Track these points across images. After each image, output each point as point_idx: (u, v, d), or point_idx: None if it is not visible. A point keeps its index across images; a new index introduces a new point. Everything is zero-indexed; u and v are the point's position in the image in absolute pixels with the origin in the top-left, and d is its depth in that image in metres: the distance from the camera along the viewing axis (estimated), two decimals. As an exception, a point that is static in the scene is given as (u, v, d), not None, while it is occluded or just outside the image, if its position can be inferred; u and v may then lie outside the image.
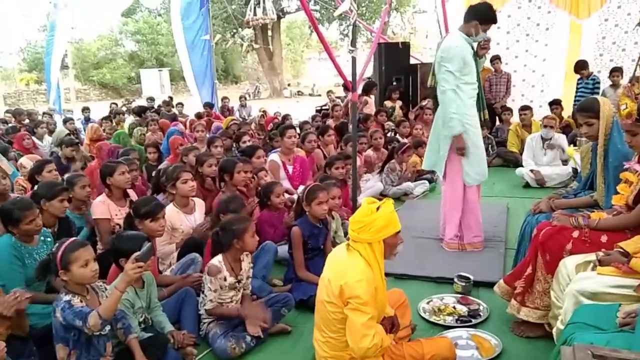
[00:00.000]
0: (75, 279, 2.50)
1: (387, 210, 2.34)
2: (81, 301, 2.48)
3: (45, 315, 2.79)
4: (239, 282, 3.11)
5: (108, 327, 2.57)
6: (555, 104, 8.35)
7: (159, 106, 12.00)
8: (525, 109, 7.94)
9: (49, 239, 3.24)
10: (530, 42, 10.14)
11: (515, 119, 8.41)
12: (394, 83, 9.92)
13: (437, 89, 4.30)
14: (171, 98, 13.01)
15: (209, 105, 10.82)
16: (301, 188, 3.94)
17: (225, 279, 3.04)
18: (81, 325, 2.39)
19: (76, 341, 2.49)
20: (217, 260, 3.07)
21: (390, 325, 2.56)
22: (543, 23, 9.96)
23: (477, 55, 4.32)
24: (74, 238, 2.68)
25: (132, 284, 2.86)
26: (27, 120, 10.02)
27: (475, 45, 4.30)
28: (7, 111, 12.35)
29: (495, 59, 9.16)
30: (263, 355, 3.03)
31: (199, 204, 4.16)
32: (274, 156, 5.72)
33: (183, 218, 3.96)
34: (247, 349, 2.98)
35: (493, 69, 9.22)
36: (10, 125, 9.07)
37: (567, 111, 8.70)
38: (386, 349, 2.40)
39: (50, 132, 8.60)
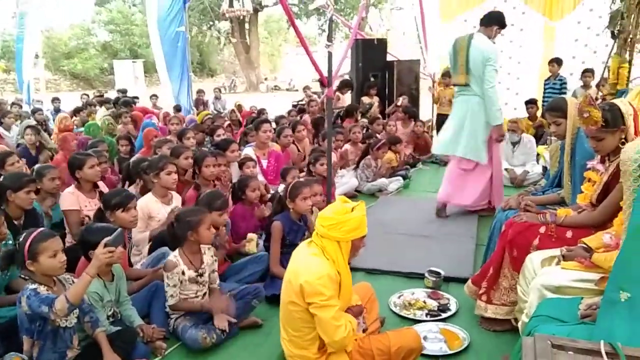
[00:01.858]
0: (43, 270, 2.47)
1: (360, 213, 2.38)
2: (48, 290, 2.45)
3: (12, 307, 2.74)
4: (200, 275, 3.07)
5: (75, 320, 2.56)
6: (531, 103, 8.49)
7: (133, 97, 11.81)
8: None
9: (9, 242, 3.13)
10: (505, 43, 10.27)
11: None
12: (371, 79, 9.96)
13: (475, 84, 4.88)
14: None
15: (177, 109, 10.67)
16: (282, 187, 3.96)
17: (183, 273, 3.00)
18: (47, 312, 2.36)
19: (40, 332, 2.46)
20: (174, 254, 3.06)
21: (359, 311, 2.59)
22: (517, 24, 10.10)
23: None
24: (42, 228, 2.63)
25: (101, 277, 2.84)
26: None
27: None
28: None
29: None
30: (235, 348, 3.03)
31: (176, 197, 4.19)
32: (249, 150, 5.70)
33: (160, 207, 3.98)
34: (218, 340, 2.97)
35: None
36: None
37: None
38: (354, 340, 2.42)
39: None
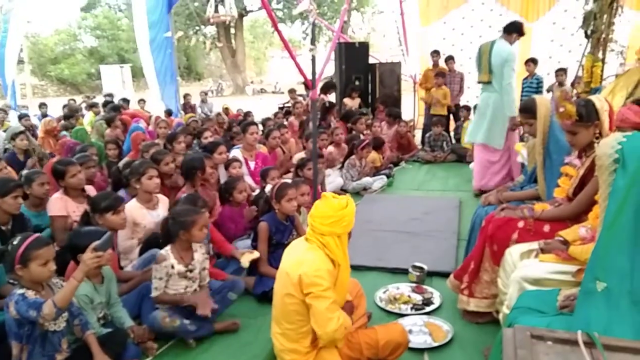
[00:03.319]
0: (31, 277, 2.47)
1: (352, 206, 2.48)
2: (36, 295, 2.45)
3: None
4: (189, 271, 3.12)
5: (64, 324, 2.55)
6: None
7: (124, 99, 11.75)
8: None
9: None
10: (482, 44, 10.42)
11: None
12: (356, 82, 10.03)
13: (495, 82, 5.72)
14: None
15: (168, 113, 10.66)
16: (269, 187, 3.98)
17: (172, 267, 3.05)
18: (35, 316, 2.36)
19: (29, 336, 2.46)
20: (165, 249, 3.11)
21: (351, 308, 2.65)
22: (495, 25, 10.25)
23: None
24: (38, 234, 2.62)
25: (91, 279, 2.86)
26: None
27: None
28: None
29: (449, 59, 9.44)
30: (223, 347, 3.07)
31: (163, 201, 4.14)
32: (236, 152, 5.74)
33: (145, 213, 3.94)
34: (182, 328, 2.99)
35: (447, 69, 9.47)
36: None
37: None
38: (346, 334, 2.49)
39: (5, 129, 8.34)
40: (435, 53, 9.70)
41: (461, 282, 3.22)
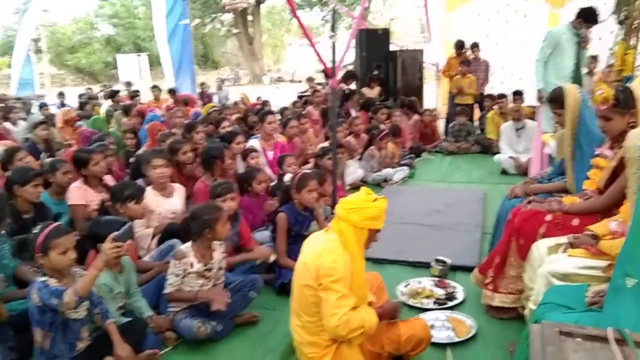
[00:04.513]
0: (51, 265, 2.49)
1: (381, 205, 2.42)
2: (57, 283, 2.47)
3: (24, 300, 2.76)
4: (208, 270, 3.07)
5: (85, 312, 2.58)
6: (517, 94, 8.42)
7: (135, 91, 11.81)
8: (501, 97, 8.05)
9: (2, 232, 3.15)
10: (509, 29, 10.21)
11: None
12: (375, 71, 9.90)
13: None
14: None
15: (172, 91, 10.66)
16: (288, 176, 3.95)
17: (192, 265, 3.01)
18: (57, 304, 2.38)
19: (51, 324, 2.49)
20: (185, 245, 3.07)
21: (393, 311, 2.61)
22: (521, 10, 10.02)
23: (581, 46, 5.58)
24: (58, 223, 2.65)
25: (111, 269, 2.86)
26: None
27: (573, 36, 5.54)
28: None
29: (474, 47, 9.24)
30: (242, 338, 3.06)
31: (179, 189, 4.14)
32: (254, 142, 5.70)
33: (161, 201, 3.95)
34: (212, 331, 2.96)
35: (472, 57, 9.28)
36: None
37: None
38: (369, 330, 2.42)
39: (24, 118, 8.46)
40: (460, 46, 9.47)
41: (485, 276, 3.15)
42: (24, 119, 8.52)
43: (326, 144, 6.20)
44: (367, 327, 2.37)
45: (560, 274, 2.45)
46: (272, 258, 3.64)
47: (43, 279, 2.46)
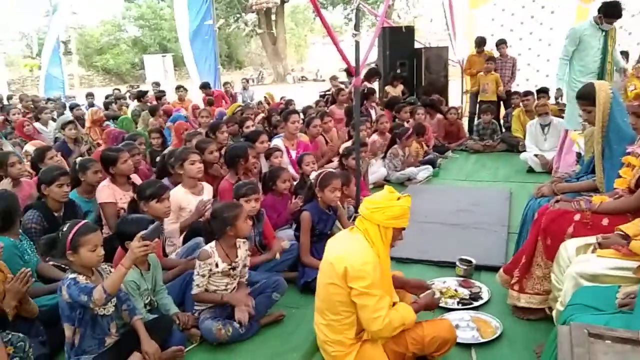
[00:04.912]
0: (81, 262, 2.55)
1: (405, 204, 2.41)
2: (86, 280, 2.53)
3: (54, 295, 2.84)
4: (233, 269, 3.08)
5: (113, 309, 2.64)
6: (542, 92, 8.25)
7: (160, 91, 11.98)
8: (527, 94, 7.90)
9: (22, 232, 3.25)
10: (534, 25, 10.02)
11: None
12: (398, 70, 9.84)
13: None
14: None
15: (205, 86, 10.79)
16: (314, 174, 3.96)
17: (217, 265, 3.01)
18: (86, 300, 2.44)
19: (81, 319, 2.55)
20: (210, 245, 3.07)
21: (430, 303, 2.62)
22: (548, 5, 9.81)
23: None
24: (85, 221, 2.71)
25: (138, 266, 2.92)
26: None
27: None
28: (9, 97, 12.43)
29: (501, 43, 9.07)
30: (266, 336, 3.08)
31: (207, 188, 4.22)
32: (277, 141, 5.73)
33: (191, 199, 4.02)
34: (235, 333, 2.96)
35: (498, 53, 9.14)
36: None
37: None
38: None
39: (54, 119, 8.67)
40: (480, 43, 9.33)
41: (511, 277, 3.11)
42: (54, 120, 8.73)
43: (349, 143, 6.20)
44: (407, 324, 2.40)
45: (589, 275, 2.41)
46: (286, 245, 3.64)
47: (72, 275, 2.52)
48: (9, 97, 12.19)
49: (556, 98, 5.61)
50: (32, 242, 3.23)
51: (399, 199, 2.40)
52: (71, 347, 2.58)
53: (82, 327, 2.57)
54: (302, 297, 3.50)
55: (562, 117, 7.17)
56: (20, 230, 3.23)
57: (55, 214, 3.60)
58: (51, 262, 3.23)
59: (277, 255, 3.64)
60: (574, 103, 5.42)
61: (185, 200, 3.99)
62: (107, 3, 36.32)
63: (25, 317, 2.70)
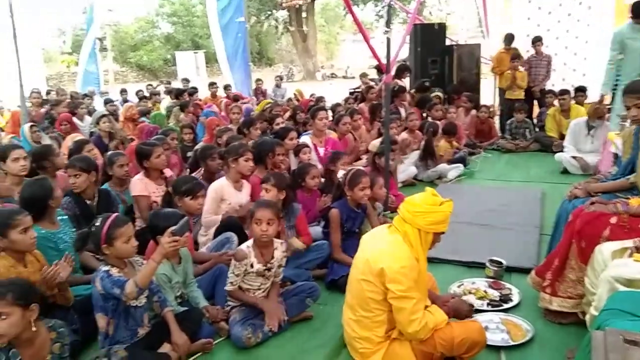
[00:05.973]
0: (117, 254, 2.61)
1: (447, 210, 2.41)
2: (119, 272, 2.59)
3: (89, 286, 2.91)
4: (268, 270, 3.07)
5: (145, 300, 2.70)
6: (580, 90, 8.02)
7: (193, 87, 12.14)
8: (564, 93, 7.71)
9: (65, 217, 3.33)
10: (572, 23, 9.74)
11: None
12: (429, 78, 9.68)
13: None
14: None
15: (228, 88, 10.95)
16: (341, 173, 3.97)
17: (252, 266, 3.02)
18: (119, 293, 2.50)
19: (114, 310, 2.61)
20: (246, 245, 3.08)
21: (461, 309, 2.62)
22: (585, 2, 9.53)
23: None
24: (117, 214, 2.78)
25: (169, 260, 2.97)
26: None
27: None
28: (48, 92, 12.80)
29: (537, 40, 8.87)
30: (293, 332, 3.09)
31: (246, 184, 4.31)
32: (306, 138, 5.75)
33: (233, 192, 4.13)
34: (264, 338, 2.97)
35: (533, 51, 8.94)
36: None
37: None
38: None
39: (90, 113, 8.89)
40: (509, 40, 9.14)
41: (543, 279, 3.05)
42: (90, 114, 8.96)
43: (378, 141, 6.16)
44: (439, 323, 2.41)
45: (625, 280, 2.35)
46: (299, 246, 3.63)
47: (106, 268, 2.58)
48: (48, 92, 12.57)
49: (599, 102, 5.67)
50: (72, 229, 3.29)
51: (441, 204, 2.39)
52: (105, 337, 2.65)
53: (115, 317, 2.63)
54: (329, 294, 3.50)
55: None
56: (62, 213, 3.32)
57: (88, 202, 3.72)
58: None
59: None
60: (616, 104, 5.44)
61: (228, 192, 4.10)
62: (141, 0, 37.00)
63: (60, 305, 2.78)
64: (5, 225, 2.58)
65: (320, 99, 9.73)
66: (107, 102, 9.79)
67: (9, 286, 2.18)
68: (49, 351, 2.20)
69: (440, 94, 8.65)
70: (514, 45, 9.08)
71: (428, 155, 6.42)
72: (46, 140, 6.22)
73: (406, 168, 6.26)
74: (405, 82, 9.56)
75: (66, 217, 3.33)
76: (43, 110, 9.09)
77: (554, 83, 9.18)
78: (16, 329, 2.13)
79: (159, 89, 13.09)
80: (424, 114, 7.75)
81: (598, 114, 6.62)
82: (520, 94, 8.69)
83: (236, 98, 10.12)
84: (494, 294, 3.35)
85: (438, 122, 7.20)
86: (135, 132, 6.95)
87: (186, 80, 13.08)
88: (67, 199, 3.60)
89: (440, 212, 2.37)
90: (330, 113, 6.79)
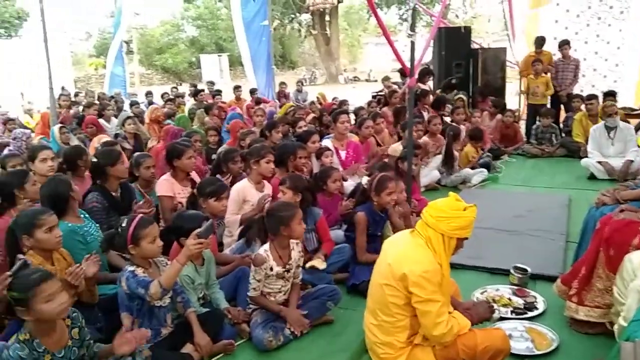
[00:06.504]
0: (143, 254, 2.65)
1: (471, 215, 2.39)
2: (144, 272, 2.63)
3: (115, 286, 2.94)
4: (287, 271, 3.08)
5: (168, 300, 2.73)
6: (609, 95, 7.83)
7: (217, 90, 12.27)
8: (591, 98, 7.55)
9: (86, 215, 3.37)
10: (602, 27, 9.52)
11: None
12: (453, 80, 9.60)
13: None
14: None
15: (254, 92, 11.06)
16: (365, 179, 3.96)
17: (271, 269, 3.02)
18: (143, 293, 2.53)
19: (139, 310, 2.65)
20: (264, 249, 3.07)
21: (484, 314, 2.60)
22: (617, 5, 9.31)
23: None
24: (141, 215, 2.81)
25: (193, 261, 3.00)
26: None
27: None
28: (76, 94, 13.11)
29: (564, 44, 8.71)
30: (314, 336, 3.09)
31: (267, 185, 4.35)
32: (327, 142, 5.74)
33: (254, 193, 4.16)
34: (285, 341, 2.97)
35: (560, 55, 8.79)
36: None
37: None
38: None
39: (117, 115, 9.06)
40: (540, 43, 8.99)
41: (570, 288, 2.99)
42: (116, 116, 9.13)
43: (398, 144, 6.13)
44: (462, 328, 2.39)
45: (656, 290, 2.29)
46: (320, 266, 3.55)
47: (131, 268, 2.62)
48: (76, 94, 12.87)
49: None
50: (96, 225, 3.35)
51: (465, 209, 2.37)
52: (129, 336, 2.68)
53: (140, 317, 2.67)
54: (350, 298, 3.49)
55: (628, 122, 6.85)
56: (84, 212, 3.37)
57: (114, 194, 3.80)
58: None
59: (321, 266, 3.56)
60: None
61: (250, 193, 4.13)
62: (167, 4, 37.52)
63: (84, 303, 2.82)
64: (31, 225, 2.64)
65: (343, 102, 9.73)
66: (133, 104, 9.95)
67: None
68: (69, 337, 2.26)
69: (464, 96, 8.57)
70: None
71: (448, 159, 6.34)
72: (74, 141, 6.35)
73: (429, 172, 6.21)
74: (429, 85, 9.51)
75: (87, 214, 3.38)
76: (72, 111, 9.29)
77: (583, 89, 8.98)
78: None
79: (183, 92, 13.27)
80: (443, 116, 7.67)
81: (607, 112, 6.49)
82: (544, 100, 8.54)
83: (258, 101, 10.20)
84: (518, 302, 3.30)
85: (459, 125, 7.13)
86: (161, 134, 7.05)
87: (211, 83, 13.23)
88: (95, 193, 3.69)
89: (464, 217, 2.35)
90: (353, 116, 6.78)
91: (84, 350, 2.34)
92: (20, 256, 2.56)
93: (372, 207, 3.68)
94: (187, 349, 2.75)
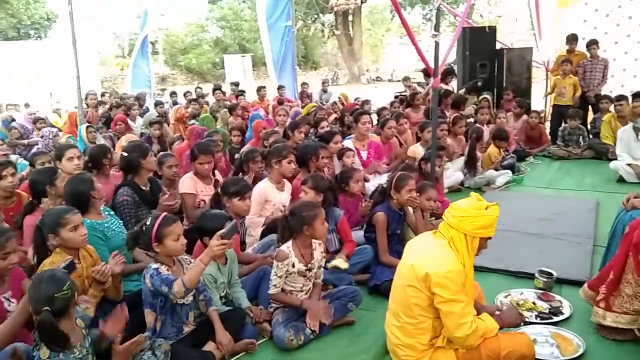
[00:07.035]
0: (167, 252, 2.69)
1: (494, 214, 2.36)
2: (168, 270, 2.66)
3: (138, 283, 3.01)
4: (309, 270, 3.08)
5: (191, 298, 2.76)
6: (638, 96, 7.60)
7: (240, 91, 12.33)
8: (621, 99, 7.36)
9: (111, 212, 3.44)
10: (633, 27, 9.26)
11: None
12: (478, 82, 9.46)
13: None
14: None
15: (281, 88, 11.12)
16: (385, 177, 3.94)
17: (293, 265, 3.02)
18: (167, 291, 2.57)
19: (162, 307, 2.69)
20: (286, 245, 3.07)
21: (513, 319, 2.57)
22: (638, -1, 9.04)
23: None
24: (165, 213, 2.85)
25: (215, 260, 3.02)
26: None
27: None
28: (102, 93, 13.35)
29: (592, 43, 8.52)
30: (335, 337, 3.08)
31: (288, 185, 4.37)
32: (348, 142, 5.72)
33: (275, 193, 4.21)
34: (306, 341, 2.96)
35: (589, 55, 8.60)
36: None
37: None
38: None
39: (142, 115, 9.21)
40: (574, 40, 8.80)
41: (597, 293, 2.92)
42: (142, 115, 9.27)
43: (418, 145, 6.06)
44: (488, 332, 2.36)
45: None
46: (343, 266, 3.47)
47: (155, 266, 2.66)
48: (102, 94, 13.10)
49: None
50: (120, 221, 3.42)
51: (487, 208, 2.34)
52: (152, 333, 2.72)
53: (163, 314, 2.71)
54: (372, 299, 3.48)
55: None
56: (108, 209, 3.45)
57: (143, 188, 3.90)
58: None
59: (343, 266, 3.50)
60: None
61: (271, 193, 4.18)
62: (191, 4, 37.88)
63: (108, 300, 2.85)
64: (56, 224, 2.69)
65: (366, 102, 9.69)
66: (157, 104, 10.08)
67: None
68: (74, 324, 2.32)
69: (489, 97, 8.45)
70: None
71: (471, 161, 6.26)
72: (100, 140, 6.47)
73: (452, 174, 6.14)
74: (452, 85, 9.40)
75: (109, 211, 3.44)
76: (99, 111, 9.47)
77: (612, 89, 8.76)
78: None
79: (207, 92, 13.38)
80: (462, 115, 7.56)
81: (637, 113, 6.31)
82: (570, 101, 8.37)
83: (280, 101, 10.23)
84: (544, 306, 3.24)
85: (483, 126, 7.03)
86: (186, 134, 7.14)
87: (235, 84, 13.30)
88: (125, 188, 3.80)
89: (487, 216, 2.32)
90: (375, 117, 6.75)
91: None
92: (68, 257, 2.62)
93: (389, 206, 3.66)
94: (209, 347, 2.77)
